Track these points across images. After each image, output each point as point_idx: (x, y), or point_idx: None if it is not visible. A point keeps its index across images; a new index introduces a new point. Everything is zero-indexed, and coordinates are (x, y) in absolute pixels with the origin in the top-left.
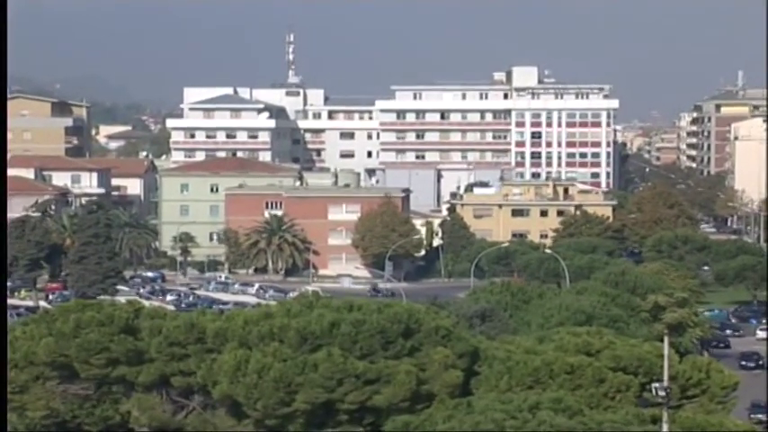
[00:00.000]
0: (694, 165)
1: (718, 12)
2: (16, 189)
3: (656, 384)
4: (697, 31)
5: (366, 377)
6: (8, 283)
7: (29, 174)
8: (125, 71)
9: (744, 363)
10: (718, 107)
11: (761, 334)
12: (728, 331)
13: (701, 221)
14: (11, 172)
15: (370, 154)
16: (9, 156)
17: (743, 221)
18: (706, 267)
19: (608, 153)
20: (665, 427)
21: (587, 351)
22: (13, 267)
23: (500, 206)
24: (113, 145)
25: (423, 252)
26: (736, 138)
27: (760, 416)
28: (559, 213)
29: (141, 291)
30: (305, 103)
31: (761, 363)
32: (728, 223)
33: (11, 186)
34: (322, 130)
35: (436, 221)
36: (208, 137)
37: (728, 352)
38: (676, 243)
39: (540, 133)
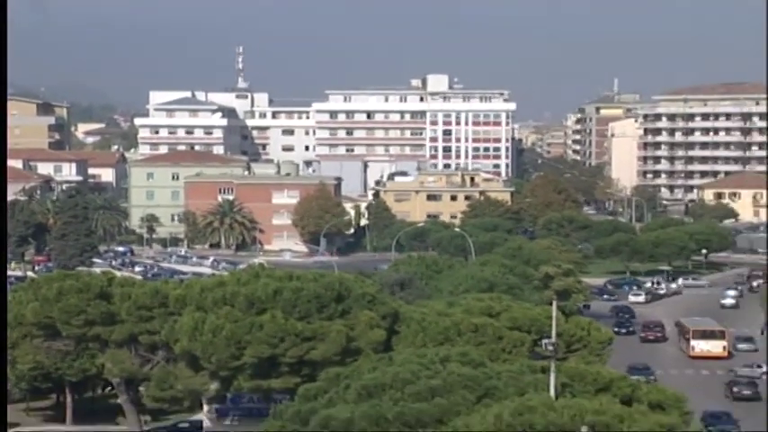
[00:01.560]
0: (578, 157)
1: (597, 29)
2: (9, 178)
3: (546, 340)
4: (581, 45)
5: (304, 335)
6: None
7: (17, 164)
8: (100, 77)
9: (617, 329)
10: (597, 109)
11: (632, 298)
12: (606, 296)
13: (584, 205)
14: (11, 161)
15: (307, 148)
16: None
17: (618, 204)
18: (587, 243)
19: (507, 147)
20: (552, 375)
21: (489, 313)
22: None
23: (417, 192)
24: (90, 140)
25: (352, 230)
26: (612, 135)
27: (637, 377)
28: (466, 198)
29: (113, 263)
30: (252, 105)
31: (632, 329)
32: (606, 206)
33: (11, 175)
34: (267, 128)
35: (363, 204)
36: (170, 133)
37: (606, 314)
38: (563, 223)
39: (450, 131)
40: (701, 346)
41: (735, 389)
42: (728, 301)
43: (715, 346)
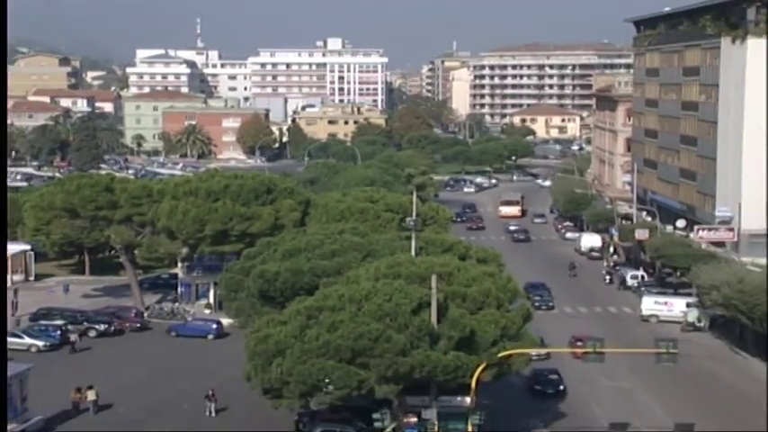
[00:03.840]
0: (430, 95)
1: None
2: (41, 109)
3: (409, 218)
4: (432, 17)
5: (245, 216)
6: (37, 163)
7: (46, 99)
8: (104, 37)
9: (457, 219)
10: (442, 62)
11: (466, 190)
12: (449, 188)
13: (434, 127)
14: (42, 98)
15: (245, 88)
16: (35, 89)
17: (457, 126)
18: (437, 153)
19: (381, 88)
20: (413, 241)
21: (371, 200)
22: (39, 154)
23: (321, 118)
24: (96, 83)
25: (277, 145)
26: (453, 79)
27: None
28: (355, 123)
29: (114, 167)
30: (207, 59)
31: (464, 218)
32: (449, 128)
33: (40, 108)
34: (217, 75)
35: (284, 127)
36: (151, 78)
37: (451, 200)
38: (420, 139)
39: (343, 77)
40: (504, 210)
41: (515, 235)
42: (545, 184)
43: (513, 210)
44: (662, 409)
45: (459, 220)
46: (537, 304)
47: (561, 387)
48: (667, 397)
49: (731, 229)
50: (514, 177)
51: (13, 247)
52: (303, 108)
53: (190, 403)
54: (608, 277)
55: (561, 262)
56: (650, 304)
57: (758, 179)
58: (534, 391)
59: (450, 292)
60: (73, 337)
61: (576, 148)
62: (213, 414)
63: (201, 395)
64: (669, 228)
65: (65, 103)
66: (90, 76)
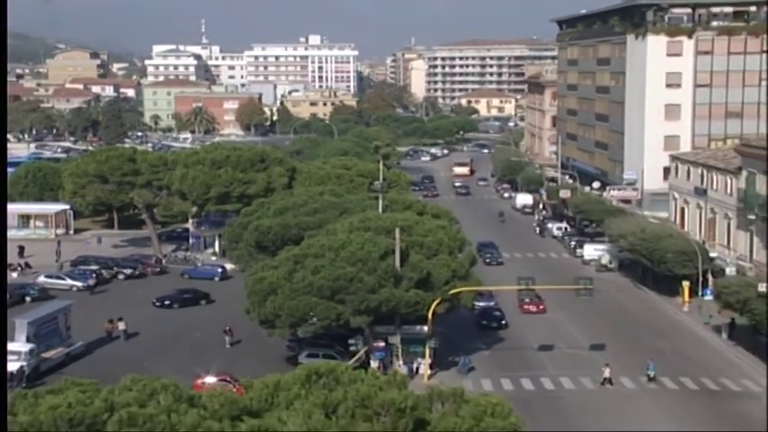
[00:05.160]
0: (394, 81)
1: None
2: (76, 95)
3: (377, 182)
4: (394, 17)
5: (243, 180)
6: (73, 138)
7: (81, 86)
8: (126, 34)
9: (416, 188)
10: (403, 54)
11: (423, 158)
12: (408, 157)
13: (397, 107)
14: (76, 85)
15: (242, 77)
16: (71, 78)
17: (415, 107)
18: (399, 129)
19: (354, 76)
20: (380, 201)
21: (345, 167)
22: (75, 131)
23: (304, 101)
24: (120, 72)
25: (268, 123)
26: (412, 69)
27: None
28: (332, 104)
29: (136, 141)
30: (210, 53)
31: (422, 187)
32: (409, 108)
33: (75, 93)
34: (219, 66)
35: (274, 108)
36: (165, 69)
37: (412, 169)
38: (385, 117)
39: (322, 66)
40: (457, 170)
41: (458, 191)
42: (490, 152)
43: (464, 170)
44: (581, 333)
45: (417, 188)
46: (488, 260)
47: (503, 322)
48: (585, 324)
49: (636, 189)
50: (465, 148)
51: (55, 207)
52: (289, 93)
53: (201, 332)
54: (538, 229)
55: (497, 213)
56: (590, 251)
57: (657, 148)
58: (481, 325)
59: (410, 242)
60: (91, 281)
61: (511, 124)
62: (230, 346)
63: (211, 325)
64: (587, 188)
65: (95, 89)
66: (115, 67)
